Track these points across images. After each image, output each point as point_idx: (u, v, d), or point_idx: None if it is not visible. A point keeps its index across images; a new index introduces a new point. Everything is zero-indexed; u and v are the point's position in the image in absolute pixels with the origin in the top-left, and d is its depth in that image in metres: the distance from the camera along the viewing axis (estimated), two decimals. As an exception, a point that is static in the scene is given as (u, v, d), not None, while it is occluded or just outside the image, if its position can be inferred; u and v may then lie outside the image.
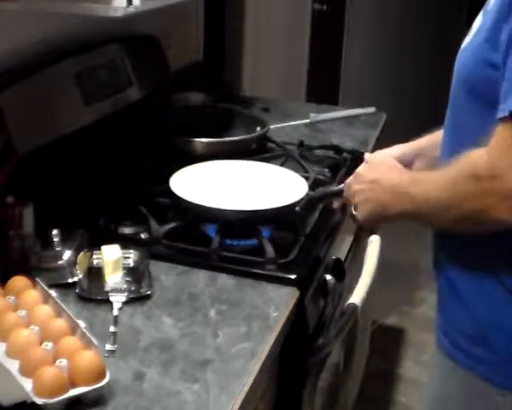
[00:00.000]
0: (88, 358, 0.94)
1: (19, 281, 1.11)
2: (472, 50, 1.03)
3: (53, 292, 1.09)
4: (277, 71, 2.89)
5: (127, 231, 1.38)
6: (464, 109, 1.07)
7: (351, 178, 1.30)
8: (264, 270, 1.26)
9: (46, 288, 1.10)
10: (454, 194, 1.01)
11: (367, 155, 1.32)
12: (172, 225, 1.37)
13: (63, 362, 0.93)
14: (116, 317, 1.11)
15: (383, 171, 1.21)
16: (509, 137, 0.94)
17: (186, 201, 1.35)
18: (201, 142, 1.68)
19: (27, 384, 0.91)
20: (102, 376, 0.93)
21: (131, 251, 1.25)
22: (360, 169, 1.28)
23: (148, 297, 1.17)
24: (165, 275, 1.24)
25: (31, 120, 1.39)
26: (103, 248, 1.22)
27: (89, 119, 1.58)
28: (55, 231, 1.22)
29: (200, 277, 1.24)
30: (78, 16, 1.32)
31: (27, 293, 1.08)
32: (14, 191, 1.21)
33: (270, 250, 1.29)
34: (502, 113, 0.94)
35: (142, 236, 1.37)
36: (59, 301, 1.07)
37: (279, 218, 1.39)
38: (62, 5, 1.26)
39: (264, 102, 2.24)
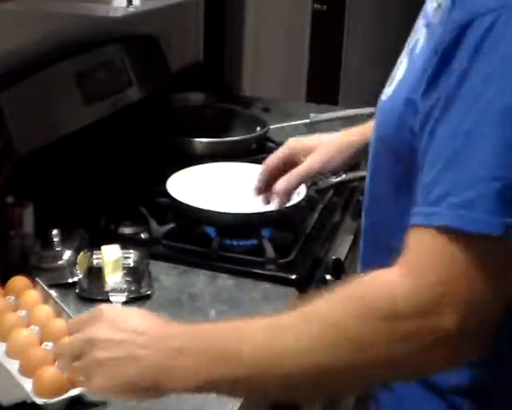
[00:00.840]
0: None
1: (19, 281, 1.11)
2: (391, 107, 0.80)
3: (53, 292, 1.09)
4: (277, 71, 2.89)
5: (127, 231, 1.38)
6: (384, 173, 0.85)
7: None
8: (264, 270, 1.26)
9: (46, 288, 1.10)
10: (348, 343, 0.68)
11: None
12: (172, 225, 1.37)
13: (63, 362, 0.93)
14: (116, 317, 1.11)
15: (149, 321, 0.77)
16: (436, 252, 0.67)
17: (184, 204, 1.35)
18: (201, 142, 1.68)
19: (27, 384, 0.91)
20: None
21: (131, 251, 1.25)
22: (99, 312, 0.78)
23: (148, 297, 1.17)
24: (165, 275, 1.24)
25: (31, 120, 1.39)
26: (103, 248, 1.22)
27: (89, 119, 1.58)
28: (55, 231, 1.22)
29: (200, 277, 1.24)
30: (78, 16, 1.32)
31: (27, 293, 1.08)
32: (14, 191, 1.21)
33: (270, 250, 1.29)
34: (419, 219, 0.68)
35: (142, 236, 1.37)
36: (59, 301, 1.07)
37: (277, 221, 1.39)
38: (62, 5, 1.26)
39: (264, 102, 2.24)
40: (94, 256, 1.23)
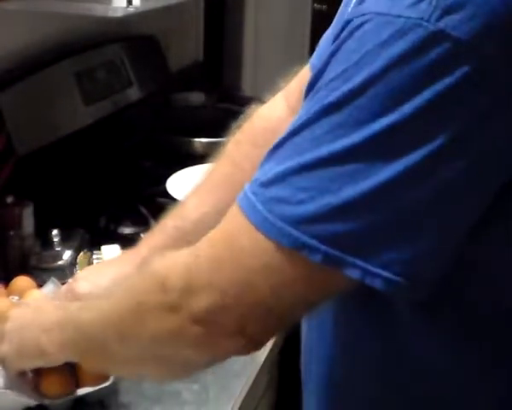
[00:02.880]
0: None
1: (22, 281, 1.10)
2: None
3: None
4: (277, 71, 2.89)
5: (127, 231, 1.38)
6: None
7: None
8: (264, 270, 1.26)
9: (60, 285, 1.10)
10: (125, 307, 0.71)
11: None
12: (172, 225, 1.37)
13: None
14: (116, 317, 1.11)
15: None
16: (224, 231, 0.65)
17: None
18: (201, 142, 1.68)
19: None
20: (107, 376, 0.92)
21: (131, 251, 1.24)
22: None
23: (148, 297, 1.17)
24: (165, 275, 1.24)
25: (31, 120, 1.39)
26: (103, 248, 1.22)
27: (88, 119, 1.58)
28: (55, 231, 1.22)
29: (200, 277, 1.24)
30: (78, 16, 1.32)
31: (31, 293, 1.08)
32: (14, 191, 1.21)
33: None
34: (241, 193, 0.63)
35: (142, 236, 1.36)
36: None
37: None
38: (62, 5, 1.26)
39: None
40: (94, 256, 1.22)
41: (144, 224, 1.39)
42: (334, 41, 0.61)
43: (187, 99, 2.08)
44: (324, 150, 0.57)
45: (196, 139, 1.68)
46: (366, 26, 0.56)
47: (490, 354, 0.67)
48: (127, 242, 1.28)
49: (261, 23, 2.64)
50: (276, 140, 0.62)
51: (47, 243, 1.21)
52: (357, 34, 0.57)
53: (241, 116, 1.05)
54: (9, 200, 1.19)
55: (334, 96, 0.57)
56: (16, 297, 1.08)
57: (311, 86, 0.62)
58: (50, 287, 1.11)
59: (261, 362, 1.03)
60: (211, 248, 0.64)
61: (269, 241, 0.59)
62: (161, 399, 0.94)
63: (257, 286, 0.61)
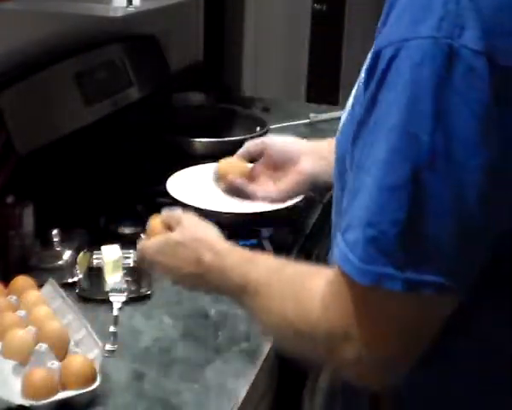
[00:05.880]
0: (79, 361, 0.93)
1: (22, 281, 1.11)
2: (342, 141, 0.80)
3: (62, 292, 1.09)
4: (277, 71, 2.89)
5: (127, 231, 1.38)
6: None
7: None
8: (264, 270, 1.26)
9: (58, 287, 1.10)
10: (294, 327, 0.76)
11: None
12: (172, 225, 1.37)
13: (55, 364, 0.92)
14: (116, 317, 1.11)
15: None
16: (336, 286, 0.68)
17: (184, 204, 1.35)
18: (201, 142, 1.68)
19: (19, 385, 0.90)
20: (93, 379, 0.92)
21: (131, 251, 1.24)
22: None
23: (148, 297, 1.17)
24: (165, 275, 1.24)
25: (31, 120, 1.39)
26: (103, 248, 1.22)
27: (89, 119, 1.58)
28: (55, 231, 1.22)
29: (200, 277, 1.24)
30: (78, 16, 1.32)
31: (29, 293, 1.08)
32: (14, 191, 1.21)
33: (270, 250, 1.29)
34: (342, 260, 0.67)
35: (142, 236, 1.36)
36: (69, 301, 1.07)
37: (277, 221, 1.39)
38: (62, 5, 1.26)
39: (264, 102, 2.24)
40: (94, 256, 1.23)
41: (144, 224, 1.38)
42: None
43: (187, 99, 2.07)
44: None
45: (196, 139, 1.68)
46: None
47: None
48: (127, 242, 1.28)
49: (261, 23, 2.65)
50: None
51: (47, 243, 1.22)
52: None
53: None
54: (9, 200, 1.19)
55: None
56: (15, 297, 1.08)
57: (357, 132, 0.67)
58: (49, 288, 1.11)
59: (261, 362, 1.03)
60: (335, 310, 0.68)
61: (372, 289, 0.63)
62: (161, 399, 0.94)
63: (376, 332, 0.66)
